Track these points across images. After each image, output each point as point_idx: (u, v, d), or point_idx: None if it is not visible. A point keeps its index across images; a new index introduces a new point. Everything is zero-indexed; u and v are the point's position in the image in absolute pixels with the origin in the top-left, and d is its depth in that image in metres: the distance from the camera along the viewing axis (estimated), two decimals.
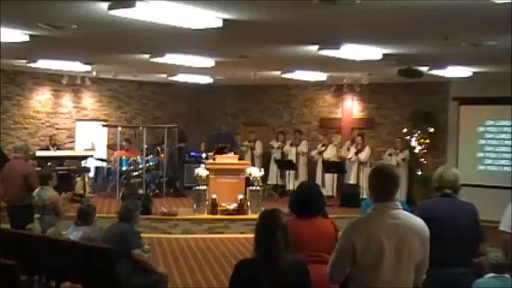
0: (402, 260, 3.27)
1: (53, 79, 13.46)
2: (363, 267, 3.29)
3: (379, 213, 3.35)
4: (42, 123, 13.61)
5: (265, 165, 13.84)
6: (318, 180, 13.23)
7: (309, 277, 3.42)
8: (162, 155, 13.57)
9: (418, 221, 3.39)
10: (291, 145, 14.19)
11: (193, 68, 10.73)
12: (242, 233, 10.44)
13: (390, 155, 12.70)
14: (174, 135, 14.55)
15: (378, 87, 13.70)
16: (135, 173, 12.98)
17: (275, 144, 14.51)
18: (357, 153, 13.05)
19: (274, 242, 3.29)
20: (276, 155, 14.44)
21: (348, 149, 13.42)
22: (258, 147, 14.70)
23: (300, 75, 11.88)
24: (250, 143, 14.75)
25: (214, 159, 11.53)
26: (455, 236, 3.96)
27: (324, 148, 13.69)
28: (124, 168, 12.88)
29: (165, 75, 13.13)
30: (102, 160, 13.40)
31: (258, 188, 11.16)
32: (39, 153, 11.91)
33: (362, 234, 3.30)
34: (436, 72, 10.20)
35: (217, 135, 15.22)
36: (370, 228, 3.31)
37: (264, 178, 13.12)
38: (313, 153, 13.82)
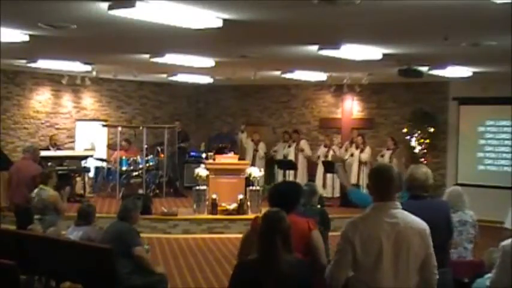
0: (401, 259, 3.26)
1: (53, 79, 13.47)
2: (362, 268, 3.29)
3: (378, 212, 3.35)
4: (42, 123, 13.61)
5: (267, 167, 13.82)
6: (319, 181, 13.23)
7: (310, 277, 3.42)
8: (162, 155, 13.57)
9: (417, 220, 3.39)
10: (289, 146, 14.17)
11: (193, 68, 10.73)
12: (242, 233, 10.37)
13: (382, 155, 12.70)
14: (174, 135, 14.54)
15: (378, 87, 13.71)
16: (135, 173, 12.99)
17: (280, 146, 14.49)
18: (352, 154, 13.06)
19: (272, 243, 3.31)
20: (277, 155, 14.44)
21: (346, 150, 13.41)
22: (261, 149, 14.69)
23: (300, 75, 11.88)
24: (252, 141, 14.74)
25: (214, 159, 11.54)
26: (433, 237, 3.87)
27: (327, 149, 13.66)
28: (124, 168, 12.88)
29: (165, 75, 13.13)
30: (102, 160, 13.39)
31: (258, 188, 11.16)
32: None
33: (361, 233, 3.30)
34: (436, 72, 10.20)
35: (218, 135, 15.22)
36: (368, 227, 3.32)
37: (267, 179, 13.14)
38: (319, 154, 13.72)
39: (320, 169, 13.53)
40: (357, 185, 12.66)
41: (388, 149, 12.73)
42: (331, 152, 13.56)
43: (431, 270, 3.38)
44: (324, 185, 13.17)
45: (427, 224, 3.39)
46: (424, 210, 4.02)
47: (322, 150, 13.70)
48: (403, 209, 3.40)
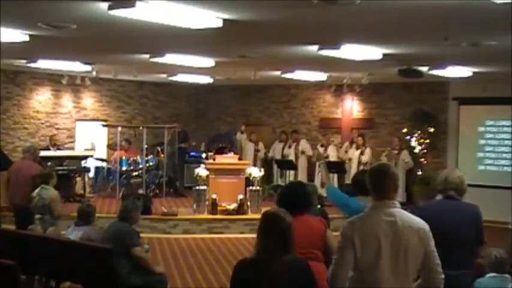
0: (399, 258, 3.26)
1: (53, 79, 13.47)
2: (361, 266, 3.29)
3: (376, 211, 3.36)
4: (42, 123, 13.61)
5: (266, 166, 13.82)
6: (317, 181, 13.21)
7: (311, 277, 3.43)
8: (162, 155, 13.57)
9: (416, 219, 3.39)
10: (289, 147, 14.16)
11: (193, 68, 10.73)
12: (242, 233, 10.44)
13: (387, 155, 12.71)
14: (174, 135, 14.54)
15: (378, 87, 13.71)
16: (135, 173, 12.99)
17: (277, 145, 14.49)
18: (351, 157, 13.09)
19: (268, 244, 3.34)
20: (276, 155, 14.43)
21: (346, 151, 13.40)
22: (262, 149, 14.69)
23: (300, 75, 11.88)
24: (251, 142, 14.76)
25: (214, 159, 11.54)
26: (456, 237, 3.95)
27: (323, 149, 13.66)
28: (124, 168, 12.88)
29: (165, 75, 13.13)
30: (102, 160, 13.39)
31: (258, 188, 11.16)
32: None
33: (359, 232, 3.30)
34: (436, 72, 10.20)
35: (217, 135, 15.21)
36: (367, 226, 3.32)
37: (266, 179, 13.13)
38: (314, 159, 13.73)
39: (319, 169, 13.53)
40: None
41: (393, 149, 12.74)
42: (329, 151, 13.56)
43: (434, 268, 3.35)
44: (323, 185, 13.16)
45: (452, 223, 3.43)
46: (452, 211, 4.16)
47: (319, 150, 13.70)
48: (434, 207, 3.43)
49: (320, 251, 4.17)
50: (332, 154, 13.56)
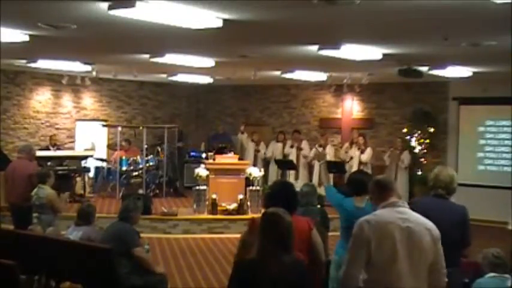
0: (414, 255, 3.30)
1: (53, 79, 13.47)
2: (377, 265, 3.30)
3: (388, 209, 3.42)
4: (42, 123, 13.61)
5: (265, 166, 13.82)
6: (315, 181, 13.20)
7: (308, 278, 3.43)
8: (162, 155, 13.58)
9: (425, 219, 3.46)
10: (291, 146, 14.14)
11: (193, 68, 10.73)
12: (242, 233, 10.42)
13: (390, 155, 12.71)
14: (173, 135, 14.55)
15: (378, 87, 13.71)
16: (135, 173, 12.98)
17: (274, 145, 14.47)
18: (352, 157, 13.08)
19: (268, 244, 3.34)
20: (276, 155, 14.41)
21: (346, 152, 13.39)
22: (263, 149, 14.68)
23: (300, 75, 11.88)
24: (253, 142, 14.76)
25: (214, 159, 11.54)
26: (442, 235, 3.97)
27: (321, 148, 13.64)
28: (124, 168, 12.88)
29: (165, 75, 13.13)
30: (102, 160, 13.39)
31: (258, 188, 11.16)
32: (39, 153, 11.84)
33: (375, 230, 3.32)
34: (436, 72, 10.20)
35: (215, 135, 15.22)
36: (382, 224, 3.35)
37: (265, 179, 13.12)
38: (314, 159, 13.72)
39: (317, 168, 13.51)
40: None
41: (396, 150, 12.72)
42: (327, 151, 13.53)
43: (443, 272, 3.41)
44: (320, 184, 13.14)
45: (441, 222, 3.47)
46: (441, 210, 4.18)
47: (318, 150, 13.66)
48: (424, 205, 3.47)
49: (303, 251, 4.05)
50: (329, 154, 13.53)
